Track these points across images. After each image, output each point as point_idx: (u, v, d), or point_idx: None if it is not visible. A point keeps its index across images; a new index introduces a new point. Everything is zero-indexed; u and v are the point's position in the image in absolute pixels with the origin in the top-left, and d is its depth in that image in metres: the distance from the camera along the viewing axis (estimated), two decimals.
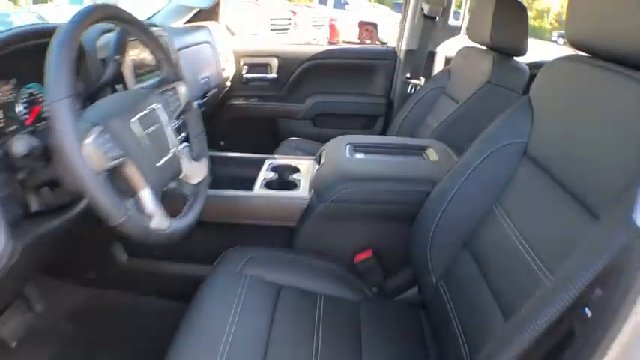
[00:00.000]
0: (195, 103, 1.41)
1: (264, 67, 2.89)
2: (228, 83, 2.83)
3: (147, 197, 1.06)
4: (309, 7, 13.37)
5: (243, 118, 2.99)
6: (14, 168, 1.07)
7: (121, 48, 1.37)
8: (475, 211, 1.24)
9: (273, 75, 2.89)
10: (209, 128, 2.75)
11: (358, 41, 3.45)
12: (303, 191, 1.69)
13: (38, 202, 1.13)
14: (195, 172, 1.30)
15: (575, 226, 0.91)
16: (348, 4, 14.00)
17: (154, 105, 1.16)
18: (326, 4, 13.81)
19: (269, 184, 1.76)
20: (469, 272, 1.19)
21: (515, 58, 2.09)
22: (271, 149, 2.49)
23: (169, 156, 1.17)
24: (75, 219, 1.25)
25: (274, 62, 2.87)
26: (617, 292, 0.67)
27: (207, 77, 2.43)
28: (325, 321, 1.26)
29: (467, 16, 2.68)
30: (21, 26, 1.20)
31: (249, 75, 2.91)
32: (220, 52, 2.65)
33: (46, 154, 1.05)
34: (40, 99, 1.35)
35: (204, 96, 2.39)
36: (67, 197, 1.17)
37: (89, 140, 0.93)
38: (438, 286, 1.27)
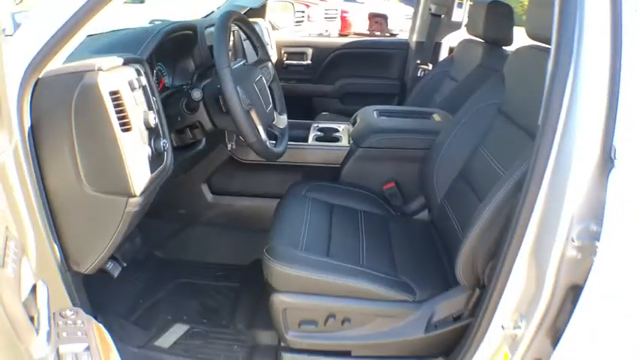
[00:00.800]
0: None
1: (301, 56, 3.54)
2: None
3: (262, 132, 1.69)
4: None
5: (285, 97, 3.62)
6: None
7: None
8: (465, 150, 1.84)
9: (308, 62, 3.54)
10: None
11: (368, 33, 4.07)
12: (344, 142, 2.35)
13: (178, 139, 1.75)
14: (281, 120, 1.98)
15: (524, 146, 1.52)
16: None
17: (260, 75, 1.82)
18: None
19: (319, 138, 2.42)
20: (462, 189, 1.79)
21: (504, 47, 2.64)
22: (312, 119, 3.12)
23: (270, 107, 1.82)
24: (195, 155, 1.87)
25: (309, 51, 3.52)
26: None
27: None
28: (366, 229, 1.85)
29: (466, 15, 3.26)
30: (172, 22, 1.85)
31: (288, 62, 3.56)
32: (267, 44, 3.26)
33: (192, 106, 1.69)
34: (164, 74, 1.95)
35: None
36: (197, 136, 1.79)
37: (240, 89, 1.59)
38: (442, 203, 1.87)
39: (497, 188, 1.41)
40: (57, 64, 1.28)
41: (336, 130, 2.50)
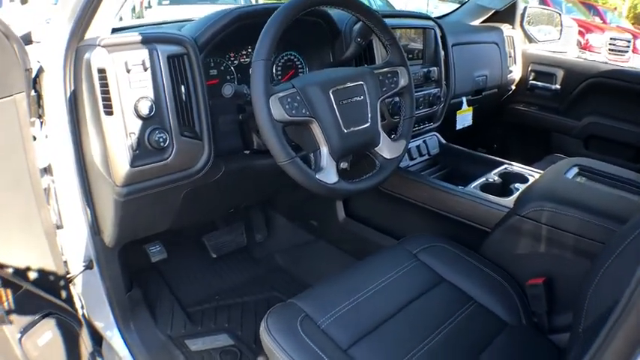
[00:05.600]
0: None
1: (550, 77, 2.68)
2: (513, 87, 2.74)
3: (324, 153, 1.19)
4: None
5: (519, 125, 2.83)
6: (241, 109, 1.34)
7: (363, 34, 1.52)
8: None
9: (557, 86, 2.67)
10: (484, 129, 2.71)
11: None
12: (510, 200, 1.59)
13: (258, 142, 1.38)
14: (391, 148, 1.34)
15: None
16: None
17: (360, 82, 1.29)
18: None
19: (486, 186, 1.70)
20: None
21: None
22: (536, 161, 2.33)
23: (364, 126, 1.27)
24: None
25: (560, 73, 2.64)
26: None
27: (485, 76, 2.40)
28: (458, 325, 1.19)
29: None
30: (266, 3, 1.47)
31: (534, 82, 2.75)
32: (508, 55, 2.58)
33: None
34: (296, 64, 1.59)
35: (478, 93, 2.38)
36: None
37: (278, 95, 1.13)
38: (582, 335, 1.11)
39: None
40: (95, 32, 1.17)
41: (522, 180, 1.74)
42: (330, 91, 1.22)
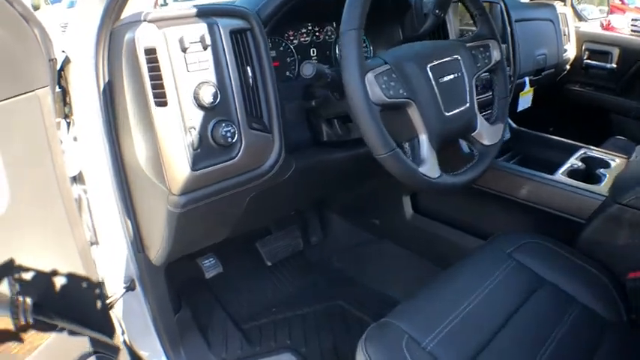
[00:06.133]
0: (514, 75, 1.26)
1: (605, 56, 2.45)
2: (567, 67, 2.51)
3: (424, 142, 0.98)
4: None
5: (575, 106, 2.63)
6: (310, 95, 1.11)
7: (441, 4, 1.29)
8: None
9: (613, 65, 2.43)
10: (540, 111, 2.52)
11: None
12: (604, 187, 1.38)
13: (328, 132, 1.15)
14: (489, 133, 1.14)
15: None
16: None
17: (456, 56, 1.07)
18: None
19: (573, 173, 1.49)
20: None
21: None
22: (596, 144, 2.12)
23: (463, 108, 1.06)
24: (359, 158, 1.25)
25: (615, 52, 2.40)
26: None
27: (545, 54, 2.19)
28: (566, 331, 1.04)
29: None
30: None
31: (589, 61, 2.52)
32: (563, 33, 2.34)
33: (339, 87, 1.06)
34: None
35: (538, 73, 2.17)
36: (354, 134, 1.17)
37: (373, 73, 0.91)
38: None
39: None
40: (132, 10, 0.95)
41: (605, 165, 1.53)
42: (428, 67, 1.00)
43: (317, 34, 1.30)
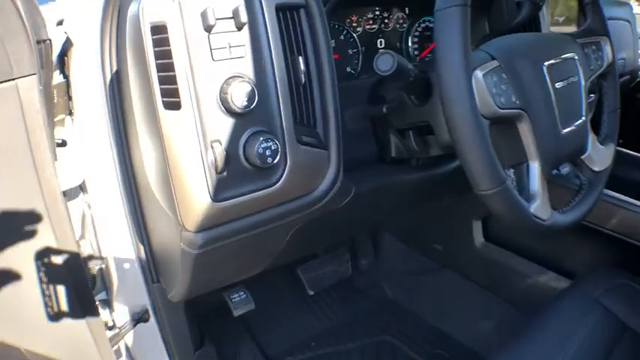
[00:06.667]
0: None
1: None
2: None
3: (534, 170, 0.74)
4: None
5: None
6: (379, 98, 0.83)
7: None
8: None
9: None
10: None
11: None
12: None
13: (399, 147, 0.88)
14: (600, 156, 0.90)
15: None
16: None
17: (572, 54, 0.81)
18: None
19: None
20: None
21: None
22: None
23: (579, 123, 0.81)
24: (436, 179, 0.99)
25: None
26: None
27: (624, 59, 1.90)
28: None
29: None
30: None
31: None
32: (638, 36, 2.03)
33: (420, 89, 0.78)
34: None
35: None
36: (434, 151, 0.89)
37: (480, 72, 0.66)
38: None
39: None
40: None
41: None
42: (544, 66, 0.72)
43: (386, 20, 1.03)
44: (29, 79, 0.71)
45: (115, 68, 0.74)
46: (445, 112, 0.61)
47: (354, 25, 0.97)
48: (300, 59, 0.64)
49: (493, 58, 0.69)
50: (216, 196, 0.59)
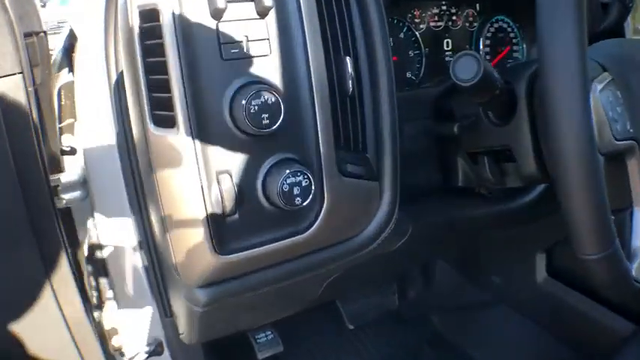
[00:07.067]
0: None
1: None
2: None
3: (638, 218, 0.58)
4: None
5: None
6: (447, 113, 0.66)
7: None
8: None
9: None
10: None
11: None
12: None
13: (467, 174, 0.70)
14: None
15: None
16: None
17: None
18: None
19: None
20: None
21: None
22: None
23: None
24: (507, 213, 0.81)
25: None
26: None
27: None
28: None
29: None
30: None
31: None
32: None
33: (502, 105, 0.60)
34: (510, 38, 0.93)
35: None
36: (511, 181, 0.70)
37: (598, 86, 0.50)
38: None
39: None
40: None
41: None
42: None
43: (453, 17, 0.85)
44: (12, 78, 0.57)
45: (121, 67, 0.60)
46: (550, 141, 0.43)
47: (417, 21, 0.79)
48: (348, 60, 0.47)
49: (604, 69, 0.51)
50: (222, 248, 0.43)
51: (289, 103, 0.42)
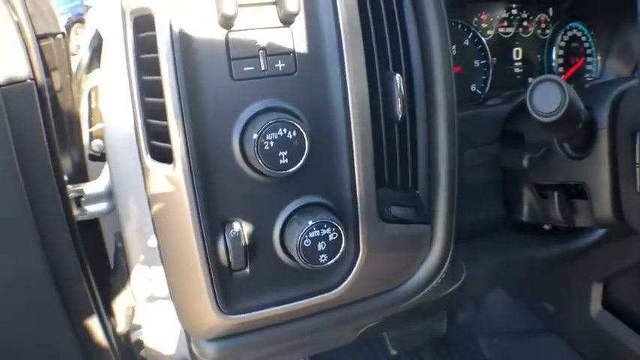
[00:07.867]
0: None
1: None
2: None
3: None
4: None
5: None
6: (517, 140, 0.54)
7: None
8: None
9: None
10: None
11: None
12: None
13: (533, 210, 0.58)
14: None
15: None
16: None
17: None
18: None
19: None
20: None
21: None
22: None
23: None
24: (570, 253, 0.69)
25: None
26: None
27: None
28: None
29: None
30: None
31: None
32: None
33: (580, 136, 0.48)
34: (585, 48, 0.81)
35: None
36: (582, 221, 0.58)
37: None
38: None
39: None
40: None
41: None
42: None
43: (524, 23, 0.73)
44: (21, 86, 0.51)
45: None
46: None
47: (484, 26, 0.67)
48: (398, 79, 0.37)
49: None
50: (228, 307, 0.34)
51: (318, 135, 0.33)
